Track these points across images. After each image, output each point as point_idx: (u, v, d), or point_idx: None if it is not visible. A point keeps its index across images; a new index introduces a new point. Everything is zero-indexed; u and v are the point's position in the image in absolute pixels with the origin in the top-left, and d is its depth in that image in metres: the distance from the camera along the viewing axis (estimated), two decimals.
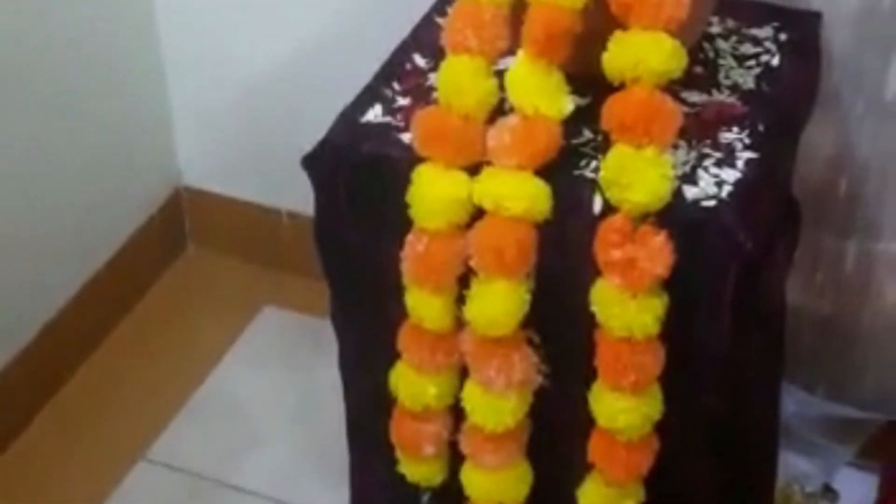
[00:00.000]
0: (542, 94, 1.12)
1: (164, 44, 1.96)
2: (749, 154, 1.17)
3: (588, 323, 1.14)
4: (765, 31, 1.33)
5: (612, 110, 1.10)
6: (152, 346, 1.97)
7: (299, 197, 1.70)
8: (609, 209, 1.11)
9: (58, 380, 1.89)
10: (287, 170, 1.67)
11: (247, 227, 2.07)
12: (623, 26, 1.10)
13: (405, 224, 1.17)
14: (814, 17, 1.37)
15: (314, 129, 1.28)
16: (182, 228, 2.10)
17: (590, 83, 1.14)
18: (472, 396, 1.20)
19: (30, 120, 1.77)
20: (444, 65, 1.16)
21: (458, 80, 1.14)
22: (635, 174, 1.09)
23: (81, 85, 1.85)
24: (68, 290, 1.90)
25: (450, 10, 1.18)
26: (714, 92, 1.24)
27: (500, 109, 1.15)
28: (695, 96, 1.23)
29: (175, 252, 2.10)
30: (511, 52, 1.15)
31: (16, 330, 1.82)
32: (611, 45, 1.10)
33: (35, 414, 1.85)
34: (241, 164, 2.02)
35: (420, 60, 1.30)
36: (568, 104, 1.13)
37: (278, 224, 2.03)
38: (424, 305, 1.19)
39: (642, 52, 1.08)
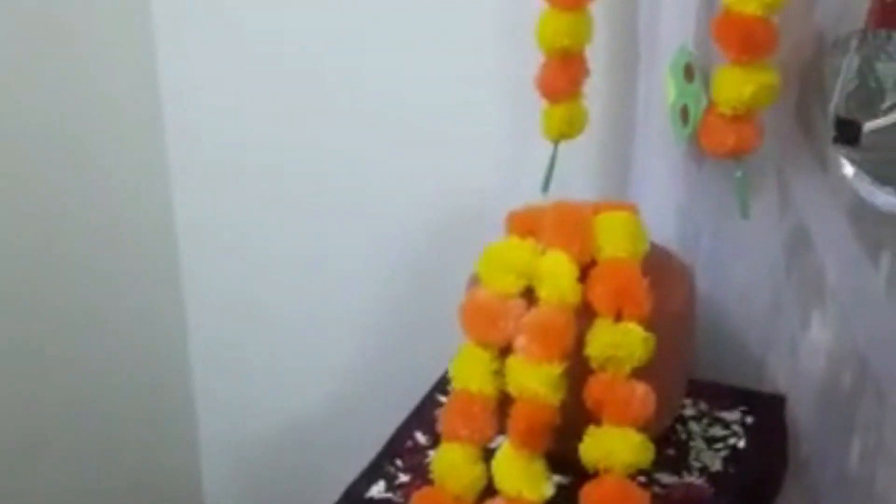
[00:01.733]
0: (524, 481, 1.24)
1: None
2: None
3: None
4: (733, 415, 1.45)
5: (588, 498, 1.22)
6: None
7: None
8: None
9: None
10: None
11: None
12: (597, 421, 1.24)
13: None
14: (779, 400, 1.50)
15: (328, 483, 1.41)
16: None
17: (570, 463, 1.26)
18: None
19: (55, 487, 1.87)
20: (438, 451, 1.29)
21: (451, 465, 1.27)
22: None
23: (116, 442, 1.98)
24: None
25: (445, 400, 1.33)
26: (684, 473, 1.36)
27: (490, 488, 1.28)
28: (666, 477, 1.34)
29: None
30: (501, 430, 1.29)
31: None
32: (586, 437, 1.23)
33: None
34: None
35: (421, 437, 1.44)
36: (548, 489, 1.25)
37: None
38: None
39: (613, 446, 1.22)
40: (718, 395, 1.48)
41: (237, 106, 1.87)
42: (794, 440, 1.51)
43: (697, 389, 1.47)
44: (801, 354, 1.50)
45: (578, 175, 1.55)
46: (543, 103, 1.47)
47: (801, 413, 1.52)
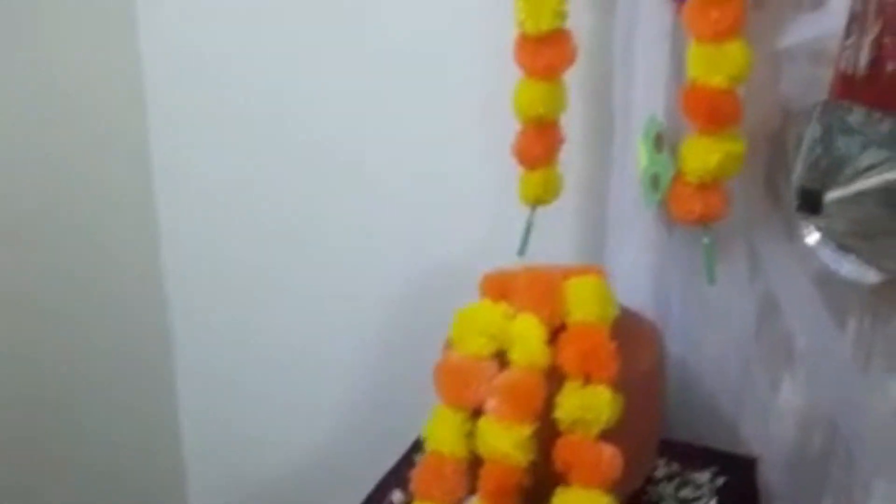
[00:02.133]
0: None
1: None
2: None
3: None
4: (704, 476, 1.48)
5: None
6: None
7: None
8: None
9: None
10: None
11: None
12: (565, 482, 1.26)
13: None
14: (750, 462, 1.52)
15: None
16: None
17: None
18: None
19: None
20: None
21: None
22: None
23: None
24: None
25: (418, 460, 1.36)
26: None
27: None
28: None
29: None
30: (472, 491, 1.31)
31: None
32: (554, 498, 1.25)
33: None
34: None
35: (397, 496, 1.46)
36: None
37: None
38: None
39: None
40: (690, 455, 1.51)
41: (226, 166, 1.93)
42: (766, 502, 1.53)
43: (670, 450, 1.49)
44: (772, 417, 1.52)
45: (554, 239, 1.59)
46: (520, 169, 1.51)
47: (773, 475, 1.53)
